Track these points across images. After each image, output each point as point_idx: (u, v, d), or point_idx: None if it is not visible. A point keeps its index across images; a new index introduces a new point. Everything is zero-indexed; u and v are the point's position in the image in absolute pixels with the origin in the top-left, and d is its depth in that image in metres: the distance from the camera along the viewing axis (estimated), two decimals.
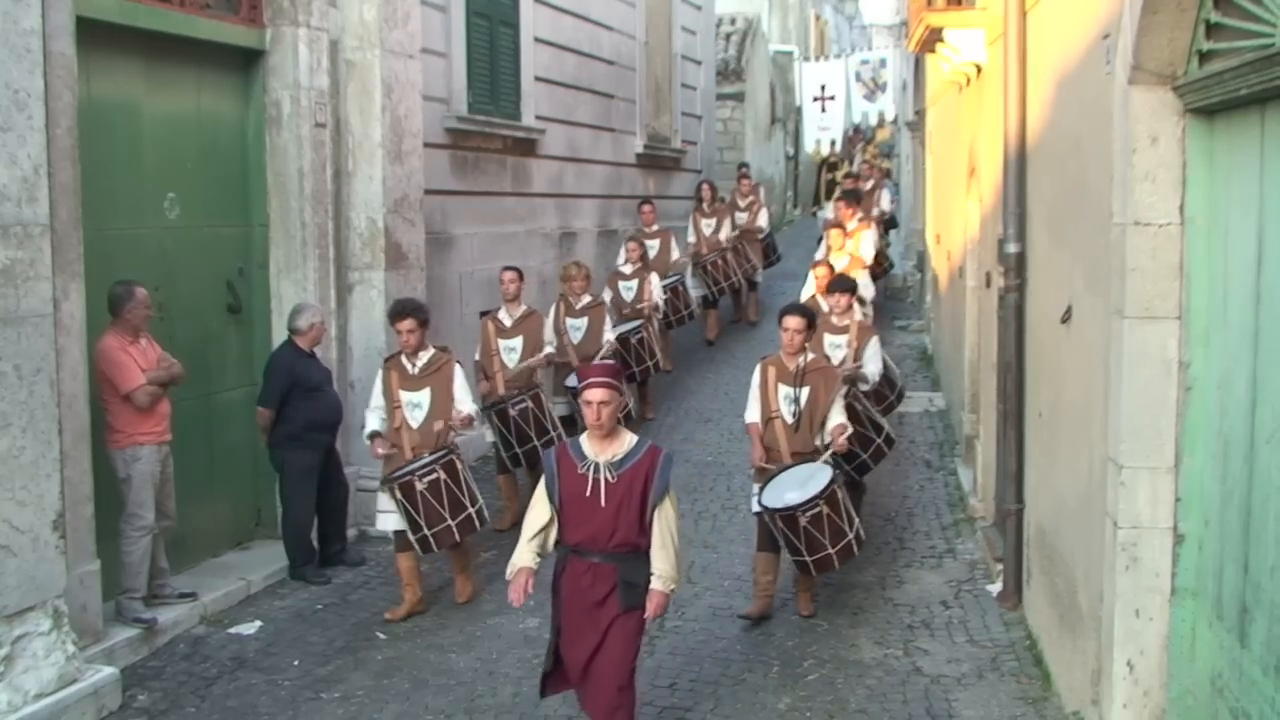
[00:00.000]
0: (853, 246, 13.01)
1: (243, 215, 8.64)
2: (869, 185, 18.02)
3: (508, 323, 9.52)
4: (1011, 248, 7.40)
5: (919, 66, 16.66)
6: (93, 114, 7.04)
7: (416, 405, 7.67)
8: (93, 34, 6.94)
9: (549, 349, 9.64)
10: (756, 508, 7.45)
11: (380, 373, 7.86)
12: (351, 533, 8.94)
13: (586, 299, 10.57)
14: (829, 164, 22.71)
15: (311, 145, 8.67)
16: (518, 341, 9.49)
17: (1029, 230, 7.29)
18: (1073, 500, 6.05)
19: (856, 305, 9.53)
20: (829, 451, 7.39)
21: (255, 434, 8.62)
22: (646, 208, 13.87)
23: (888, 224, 17.72)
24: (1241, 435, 4.41)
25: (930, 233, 15.44)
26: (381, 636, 7.43)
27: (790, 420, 7.43)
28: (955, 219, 11.58)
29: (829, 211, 17.77)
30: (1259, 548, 4.25)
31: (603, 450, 5.32)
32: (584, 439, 5.40)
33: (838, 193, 17.70)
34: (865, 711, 6.33)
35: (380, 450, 7.59)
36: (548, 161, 12.76)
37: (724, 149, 22.30)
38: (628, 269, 12.28)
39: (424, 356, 7.71)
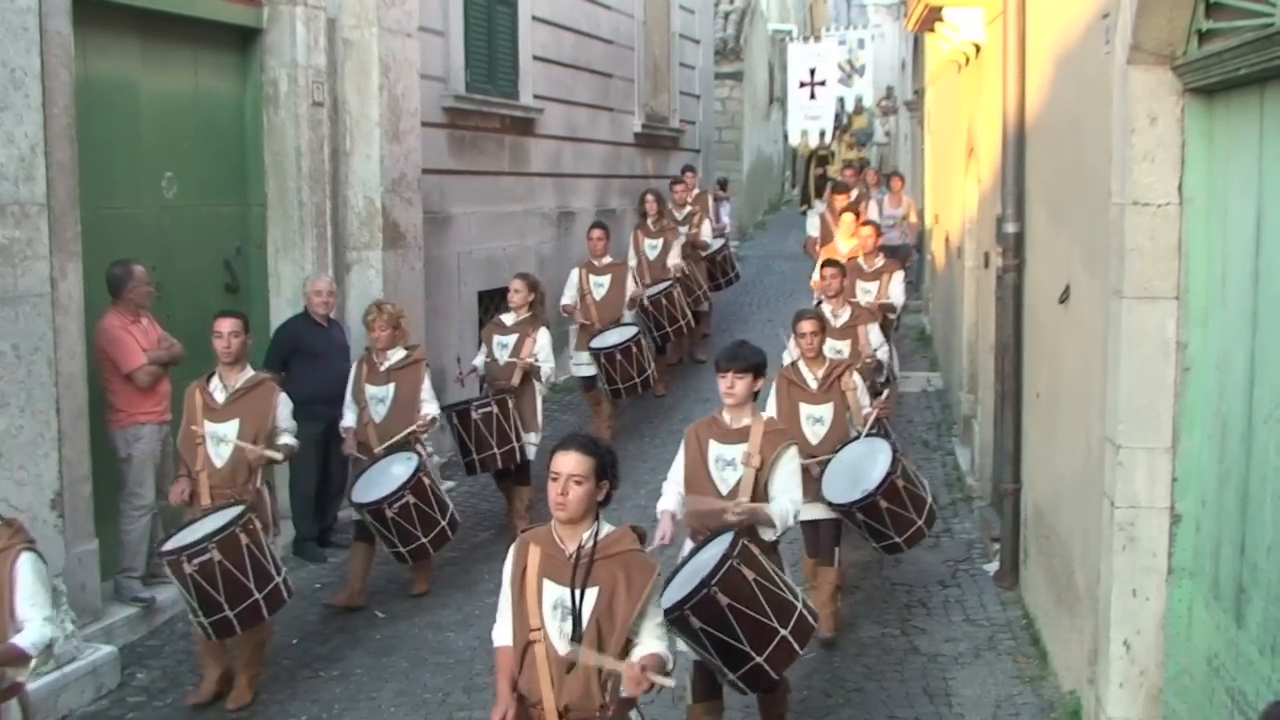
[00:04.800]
0: (875, 292, 10.20)
1: (240, 194, 8.62)
2: (853, 194, 14.99)
3: (219, 398, 6.47)
4: (1010, 227, 7.39)
5: (918, 46, 16.62)
6: (90, 93, 7.01)
7: None
8: (89, 12, 6.90)
9: (287, 438, 6.61)
10: None
11: None
12: (349, 513, 8.91)
13: (397, 355, 7.76)
14: (819, 157, 21.45)
15: (309, 124, 8.64)
16: (230, 427, 6.39)
17: (1027, 210, 7.28)
18: (1070, 480, 6.06)
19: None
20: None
21: None
22: (596, 233, 10.89)
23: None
24: (1239, 415, 4.42)
25: (929, 212, 15.42)
26: (380, 615, 7.44)
27: (561, 649, 4.01)
28: (954, 199, 11.57)
29: (814, 222, 14.77)
30: (1256, 528, 4.26)
31: None
32: None
33: (829, 190, 17.06)
34: (862, 690, 6.35)
35: None
36: (546, 141, 12.73)
37: (722, 128, 22.24)
38: (509, 318, 9.02)
39: None
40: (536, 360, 8.75)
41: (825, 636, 6.73)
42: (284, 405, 6.63)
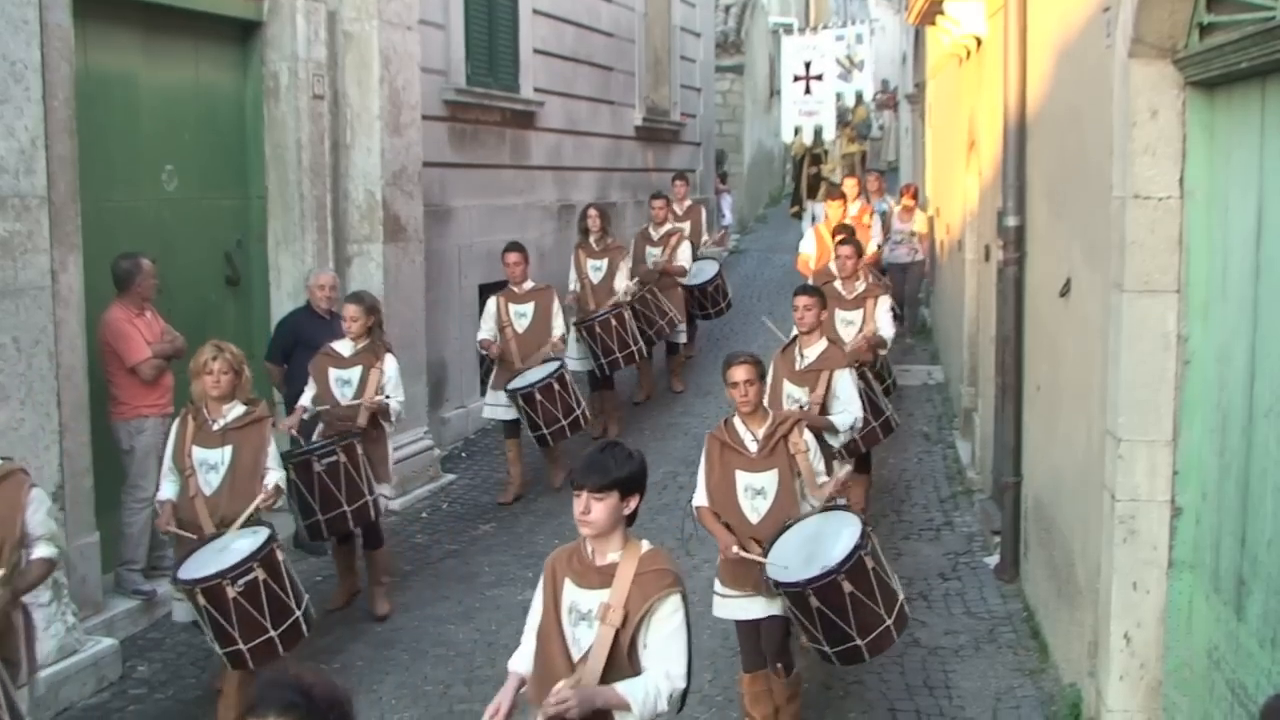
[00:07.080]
0: (858, 324, 8.50)
1: (241, 187, 8.61)
2: (854, 205, 13.03)
3: None
4: (1010, 221, 7.39)
5: (919, 39, 16.61)
6: (90, 85, 7.00)
7: None
8: (90, 5, 6.89)
9: (43, 549, 4.70)
10: None
11: None
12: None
13: (235, 411, 6.03)
14: (813, 155, 20.82)
15: (309, 117, 8.64)
16: None
17: (1028, 203, 7.28)
18: (1070, 473, 6.07)
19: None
20: None
21: None
22: (512, 257, 9.29)
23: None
24: (1240, 408, 4.42)
25: (930, 206, 15.41)
26: None
27: None
28: (955, 192, 11.56)
29: (809, 239, 12.28)
30: (1256, 521, 4.26)
31: None
32: None
33: (823, 190, 16.59)
34: (862, 682, 6.36)
35: None
36: (546, 134, 12.72)
37: (723, 122, 22.21)
38: (345, 348, 7.48)
39: None
40: (386, 397, 7.35)
41: None
42: (37, 503, 4.71)
